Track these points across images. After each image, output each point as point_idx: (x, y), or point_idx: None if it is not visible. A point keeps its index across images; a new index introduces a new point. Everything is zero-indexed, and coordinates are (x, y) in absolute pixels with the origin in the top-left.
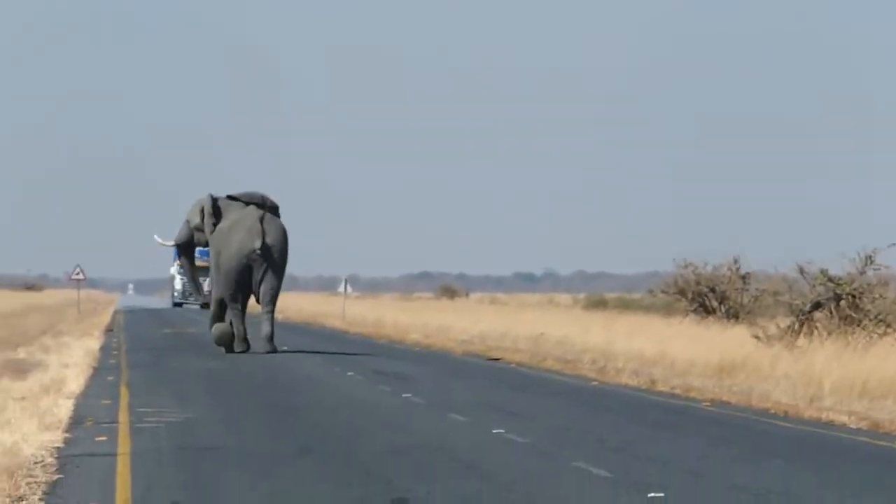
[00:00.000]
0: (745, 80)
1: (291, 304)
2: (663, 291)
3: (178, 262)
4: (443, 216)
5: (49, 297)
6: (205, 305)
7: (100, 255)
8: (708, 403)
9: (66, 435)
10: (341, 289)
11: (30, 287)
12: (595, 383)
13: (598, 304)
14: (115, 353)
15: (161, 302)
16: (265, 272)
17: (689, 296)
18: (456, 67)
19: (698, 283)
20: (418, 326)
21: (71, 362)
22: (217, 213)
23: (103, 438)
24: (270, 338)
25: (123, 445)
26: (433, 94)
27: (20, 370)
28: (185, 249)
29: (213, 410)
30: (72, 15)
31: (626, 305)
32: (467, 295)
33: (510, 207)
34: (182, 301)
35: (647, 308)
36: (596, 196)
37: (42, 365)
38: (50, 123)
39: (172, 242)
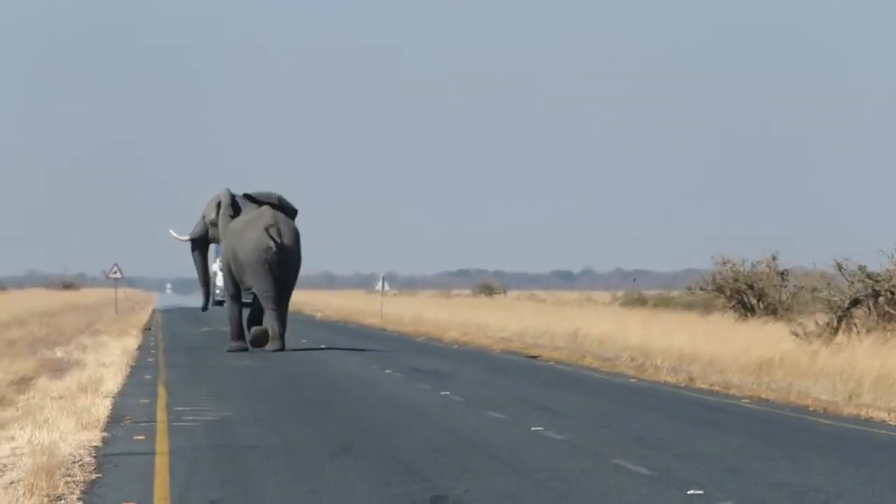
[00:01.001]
0: (782, 74)
1: (330, 302)
2: (702, 289)
3: (219, 259)
4: (481, 213)
5: (87, 296)
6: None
7: (137, 253)
8: (747, 400)
9: (104, 434)
10: (379, 286)
11: (67, 286)
12: (633, 380)
13: (636, 301)
14: (152, 351)
15: (199, 301)
16: (279, 270)
17: (728, 293)
18: (488, 66)
19: (736, 280)
20: (456, 324)
21: (109, 361)
22: (235, 207)
23: (141, 437)
24: (281, 336)
25: (161, 444)
26: (468, 92)
27: (58, 369)
28: (200, 244)
29: (251, 408)
30: (108, 14)
31: (664, 303)
32: (505, 292)
33: (548, 205)
34: (223, 300)
35: (686, 305)
36: (634, 193)
37: (80, 364)
38: (90, 123)
39: (187, 237)
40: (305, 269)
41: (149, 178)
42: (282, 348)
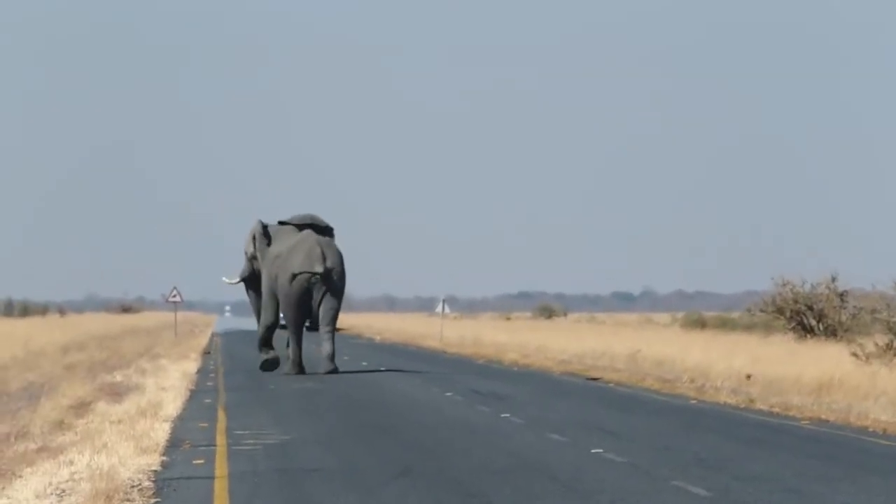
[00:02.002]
0: (839, 89)
1: (390, 325)
2: (762, 310)
3: None
4: (541, 235)
5: (146, 319)
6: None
7: (197, 276)
8: (807, 421)
9: (164, 458)
10: (439, 309)
11: (126, 309)
12: (693, 402)
13: (696, 323)
14: (212, 375)
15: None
16: (324, 295)
17: (788, 314)
18: (548, 91)
19: (796, 302)
20: (516, 346)
21: (168, 385)
22: (268, 236)
23: (200, 461)
24: (332, 357)
25: (221, 468)
26: (527, 116)
27: (117, 393)
28: (251, 283)
29: (311, 431)
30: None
31: (724, 324)
32: (565, 314)
33: (609, 227)
34: (284, 323)
35: (746, 327)
36: (694, 215)
37: (139, 388)
38: (148, 151)
39: (238, 279)
40: (366, 292)
41: (208, 202)
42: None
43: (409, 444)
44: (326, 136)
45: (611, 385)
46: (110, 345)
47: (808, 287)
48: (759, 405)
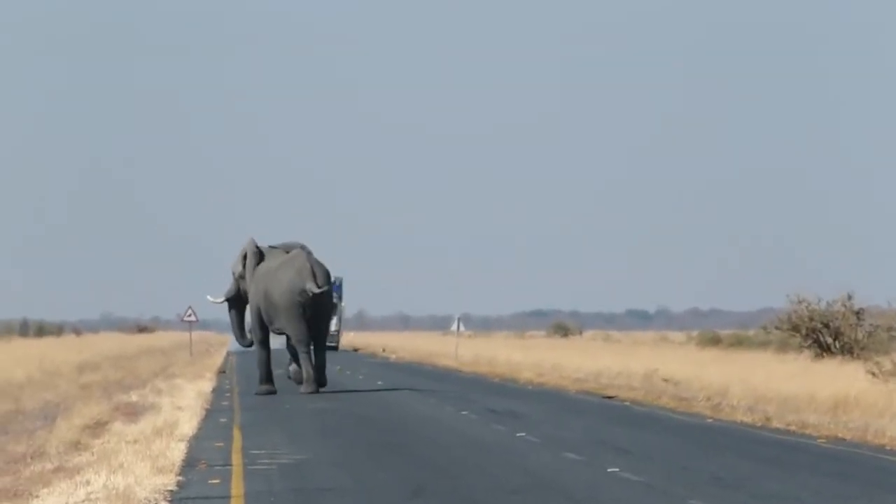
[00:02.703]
0: (857, 106)
1: (404, 344)
2: (777, 328)
3: None
4: (555, 253)
5: (161, 339)
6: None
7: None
8: (823, 440)
9: (179, 478)
10: (454, 327)
11: (142, 329)
12: (710, 420)
13: (711, 341)
14: (227, 394)
15: (274, 342)
16: (314, 314)
17: (803, 332)
18: (560, 108)
19: (812, 320)
20: (531, 365)
21: (184, 405)
22: (260, 255)
23: (216, 481)
24: (315, 379)
25: (237, 488)
26: (542, 136)
27: (133, 413)
28: (235, 303)
29: (326, 451)
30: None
31: (740, 342)
32: (580, 333)
33: (623, 245)
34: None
35: (762, 345)
36: (709, 233)
37: (155, 407)
38: (162, 170)
39: (223, 298)
40: (381, 311)
41: (222, 221)
42: (316, 391)
43: (424, 463)
44: (338, 156)
45: (626, 403)
46: (126, 364)
47: (823, 305)
48: (776, 423)
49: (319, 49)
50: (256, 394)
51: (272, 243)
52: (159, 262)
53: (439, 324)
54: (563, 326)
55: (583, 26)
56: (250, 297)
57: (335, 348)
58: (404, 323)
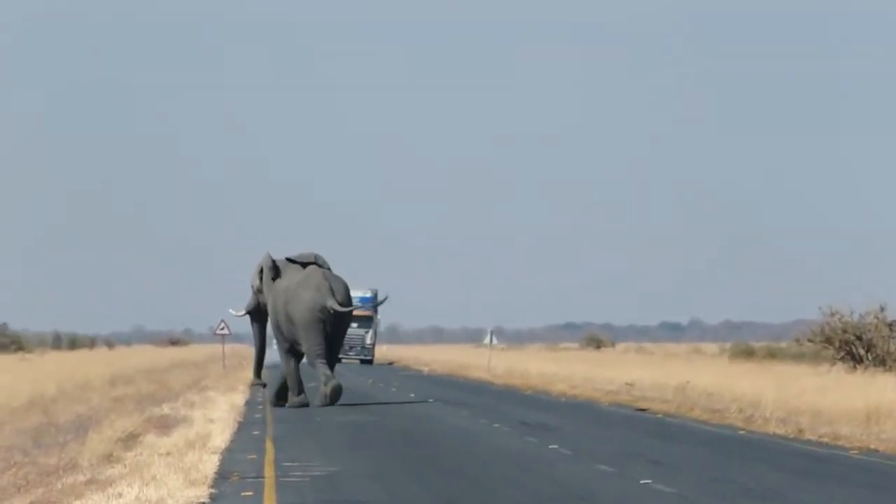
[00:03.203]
0: (886, 118)
1: (437, 357)
2: (810, 340)
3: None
4: (587, 266)
5: (194, 352)
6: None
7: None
8: (856, 451)
9: (212, 490)
10: (487, 340)
11: (174, 342)
12: (742, 432)
13: (744, 353)
14: (259, 407)
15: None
16: (333, 329)
17: (836, 344)
18: (590, 119)
19: (845, 332)
20: (564, 377)
21: (216, 417)
22: (276, 269)
23: (249, 493)
24: (334, 392)
25: (269, 500)
26: (574, 145)
27: (165, 426)
28: (256, 316)
29: (358, 463)
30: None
31: (772, 354)
32: (613, 345)
33: (656, 257)
34: (341, 356)
35: (795, 357)
36: (741, 245)
37: (187, 420)
38: (192, 181)
39: (244, 312)
40: (414, 324)
41: (254, 236)
42: (330, 403)
43: (457, 475)
44: (372, 171)
45: (659, 416)
46: (158, 377)
47: (856, 317)
48: (808, 435)
49: (341, 66)
50: (289, 406)
51: (289, 255)
52: (191, 276)
53: (472, 336)
54: (595, 339)
55: (588, 31)
56: (269, 311)
57: (370, 362)
58: (437, 336)
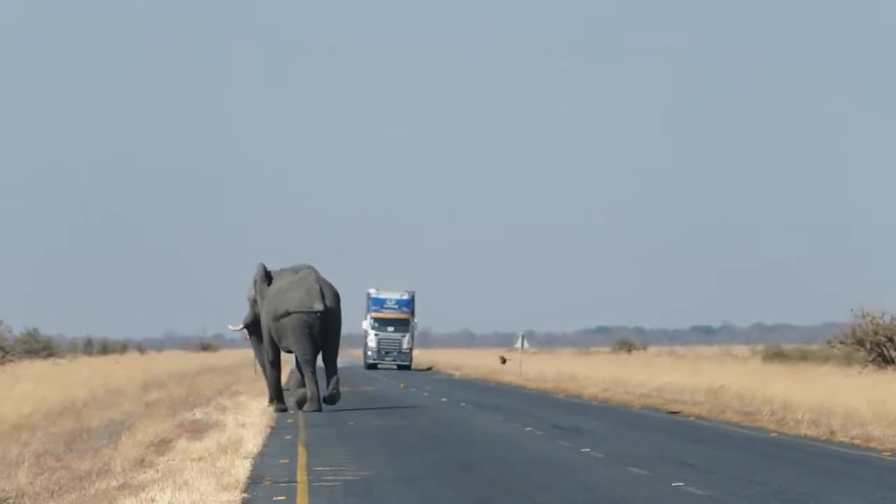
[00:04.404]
0: None
1: (469, 361)
2: (841, 342)
3: (370, 314)
4: (619, 269)
5: (225, 357)
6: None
7: None
8: (888, 453)
9: (244, 495)
10: (518, 344)
11: (205, 347)
12: (774, 434)
13: (776, 355)
14: (291, 412)
15: (340, 360)
16: (321, 334)
17: (868, 346)
18: (617, 127)
19: (876, 333)
20: (596, 380)
21: (248, 422)
22: (269, 277)
23: (281, 498)
24: (317, 398)
25: None
26: (602, 150)
27: (197, 430)
28: (255, 328)
29: (392, 468)
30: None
31: (804, 357)
32: (645, 348)
33: (687, 260)
34: (377, 361)
35: (826, 359)
36: (771, 247)
37: (219, 425)
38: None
39: (241, 325)
40: (445, 328)
41: (287, 242)
42: (319, 409)
43: (490, 479)
44: (406, 174)
45: (691, 419)
46: (189, 382)
47: (888, 318)
48: (840, 437)
49: (362, 76)
50: (276, 411)
51: (283, 265)
52: (224, 281)
53: (504, 341)
54: (627, 342)
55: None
56: (262, 318)
57: (408, 367)
58: (468, 340)
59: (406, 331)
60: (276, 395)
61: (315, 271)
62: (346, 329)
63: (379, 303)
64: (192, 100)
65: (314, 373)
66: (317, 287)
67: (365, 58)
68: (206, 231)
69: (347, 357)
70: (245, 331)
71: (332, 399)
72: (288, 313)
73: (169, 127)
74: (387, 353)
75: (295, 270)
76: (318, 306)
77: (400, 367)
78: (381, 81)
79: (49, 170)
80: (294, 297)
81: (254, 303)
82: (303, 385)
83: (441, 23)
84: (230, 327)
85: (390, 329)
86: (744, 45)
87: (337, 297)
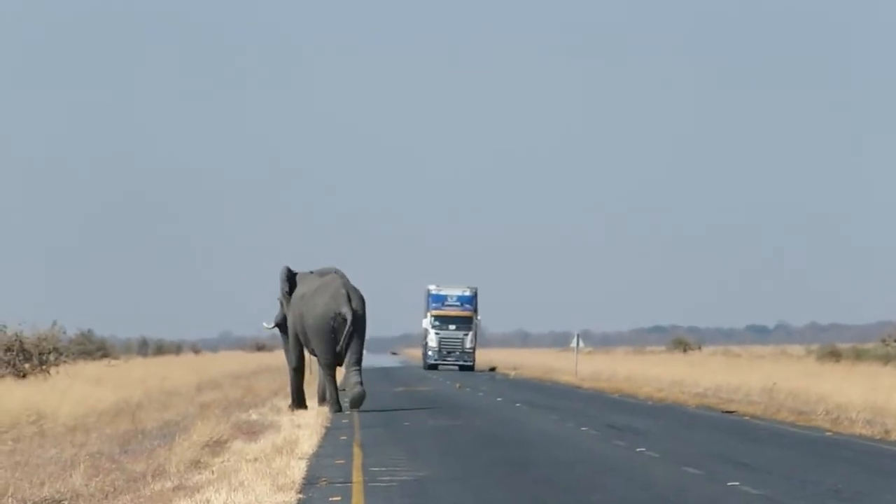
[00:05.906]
0: None
1: (524, 360)
2: None
3: (430, 311)
4: (674, 269)
5: (280, 357)
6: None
7: None
8: None
9: (300, 496)
10: (573, 344)
11: (261, 348)
12: (828, 434)
13: (831, 354)
14: (347, 412)
15: (391, 360)
16: (349, 337)
17: None
18: (686, 122)
19: None
20: (651, 380)
21: (303, 423)
22: (291, 280)
23: (337, 499)
24: (336, 400)
25: None
26: (657, 151)
27: (253, 431)
28: (285, 328)
29: (447, 468)
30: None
31: (859, 355)
32: (700, 348)
33: (742, 260)
34: (437, 362)
35: (881, 358)
36: (826, 247)
37: (274, 426)
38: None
39: (273, 324)
40: (500, 327)
41: (339, 243)
42: (339, 410)
43: (545, 479)
44: (462, 177)
45: (746, 418)
46: (244, 383)
47: None
48: (895, 436)
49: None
50: (331, 412)
51: (312, 269)
52: (275, 279)
53: (558, 340)
54: (682, 342)
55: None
56: (289, 321)
57: (471, 368)
58: (524, 340)
59: (469, 329)
60: (299, 401)
61: (341, 276)
62: (404, 328)
63: (440, 299)
64: (191, 100)
65: (334, 377)
66: (343, 292)
67: (365, 58)
68: (263, 234)
69: (404, 357)
70: (277, 329)
71: (358, 400)
72: (314, 317)
73: (168, 127)
74: (448, 352)
75: (321, 274)
76: (346, 311)
77: (462, 369)
78: (382, 81)
79: (99, 175)
80: (320, 303)
81: (281, 304)
82: (355, 385)
83: (441, 23)
84: (264, 325)
85: (452, 327)
86: (744, 45)
87: (363, 302)
